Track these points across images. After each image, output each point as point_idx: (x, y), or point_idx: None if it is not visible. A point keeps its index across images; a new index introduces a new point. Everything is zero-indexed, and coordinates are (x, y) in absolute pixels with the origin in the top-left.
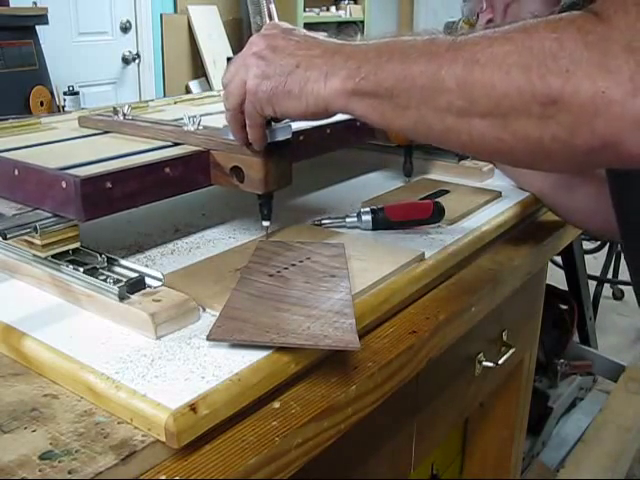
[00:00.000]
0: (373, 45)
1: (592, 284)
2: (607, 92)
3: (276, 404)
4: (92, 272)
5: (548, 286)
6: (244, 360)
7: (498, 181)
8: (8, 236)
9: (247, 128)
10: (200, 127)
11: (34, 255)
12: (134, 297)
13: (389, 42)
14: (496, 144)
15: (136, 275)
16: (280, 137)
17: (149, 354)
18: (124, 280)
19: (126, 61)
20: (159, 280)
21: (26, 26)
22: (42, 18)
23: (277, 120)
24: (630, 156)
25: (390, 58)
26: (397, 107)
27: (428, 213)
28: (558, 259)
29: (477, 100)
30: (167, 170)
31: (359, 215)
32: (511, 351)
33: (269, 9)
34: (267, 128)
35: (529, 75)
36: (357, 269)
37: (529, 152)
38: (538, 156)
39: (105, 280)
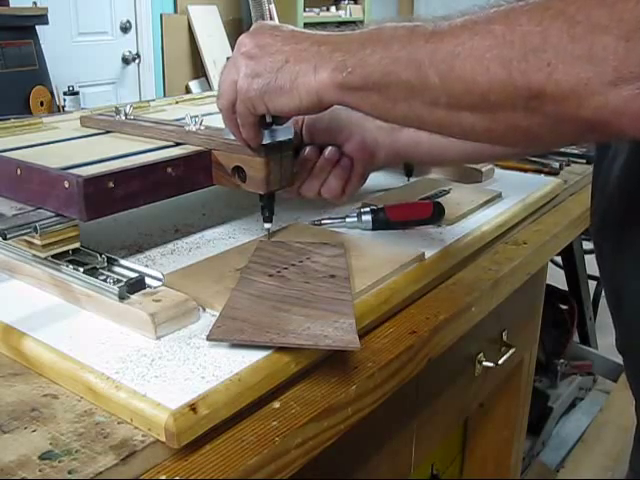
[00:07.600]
0: (357, 36)
1: (592, 284)
2: (589, 83)
3: (276, 404)
4: (92, 272)
5: (548, 286)
6: (244, 360)
7: (498, 181)
8: (8, 236)
9: (240, 127)
10: (202, 127)
11: (34, 255)
12: (134, 297)
13: (372, 32)
14: (488, 134)
15: (136, 275)
16: (281, 137)
17: (149, 354)
18: (124, 280)
19: (126, 61)
20: (159, 280)
21: (26, 26)
22: (42, 18)
23: (280, 122)
24: (621, 133)
25: (373, 51)
26: (387, 100)
27: (428, 213)
28: (558, 259)
29: (461, 96)
30: (169, 170)
31: (359, 215)
32: (511, 351)
33: (269, 9)
34: (268, 129)
35: (509, 70)
36: (357, 269)
37: (521, 138)
38: (530, 140)
39: (105, 280)
